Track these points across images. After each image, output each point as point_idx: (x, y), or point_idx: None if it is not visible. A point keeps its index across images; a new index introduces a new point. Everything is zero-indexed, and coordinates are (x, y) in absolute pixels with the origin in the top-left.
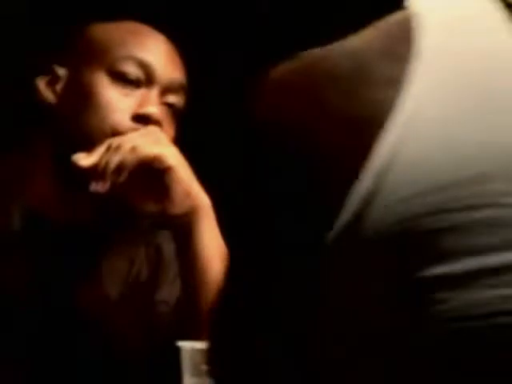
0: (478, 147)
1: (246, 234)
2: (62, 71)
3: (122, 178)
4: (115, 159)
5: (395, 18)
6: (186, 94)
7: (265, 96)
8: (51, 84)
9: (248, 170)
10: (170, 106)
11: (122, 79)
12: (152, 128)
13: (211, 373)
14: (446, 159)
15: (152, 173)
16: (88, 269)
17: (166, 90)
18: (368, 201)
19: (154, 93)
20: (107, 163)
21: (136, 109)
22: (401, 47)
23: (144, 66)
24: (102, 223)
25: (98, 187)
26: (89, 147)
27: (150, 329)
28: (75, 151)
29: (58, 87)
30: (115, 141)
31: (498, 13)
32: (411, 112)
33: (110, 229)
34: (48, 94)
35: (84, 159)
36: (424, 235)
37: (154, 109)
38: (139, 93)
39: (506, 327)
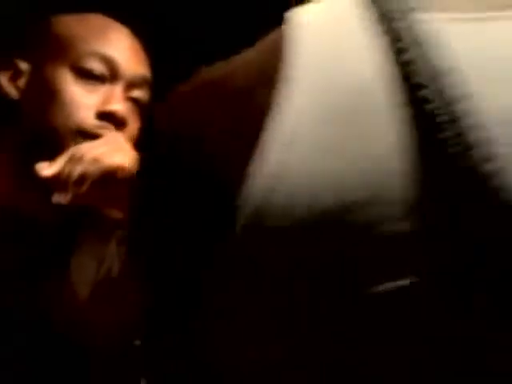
0: (350, 175)
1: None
2: (24, 66)
3: (84, 188)
4: (77, 170)
5: (273, 36)
6: (151, 87)
7: (163, 116)
8: (13, 79)
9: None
10: (134, 100)
11: (85, 75)
12: (114, 135)
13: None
14: (320, 189)
15: (115, 181)
16: (55, 268)
17: (130, 84)
18: (254, 223)
19: (118, 89)
20: (69, 174)
21: (100, 106)
22: (275, 70)
23: (108, 62)
24: (68, 223)
25: (59, 198)
26: (53, 144)
27: (123, 326)
28: (39, 148)
29: (21, 82)
30: (78, 151)
31: (369, 29)
32: (286, 140)
33: (76, 228)
34: (10, 90)
35: (46, 169)
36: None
37: (118, 106)
38: (104, 89)
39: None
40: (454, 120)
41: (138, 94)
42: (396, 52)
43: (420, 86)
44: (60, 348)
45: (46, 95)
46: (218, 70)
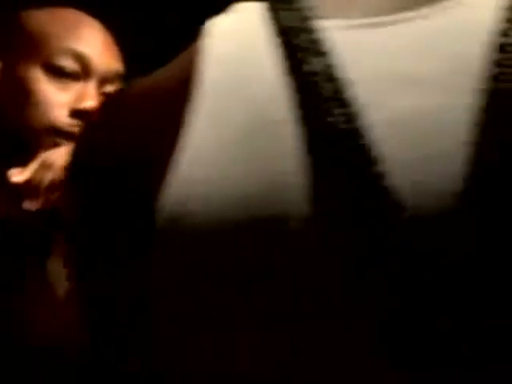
0: (254, 188)
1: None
2: None
3: (55, 195)
4: (48, 177)
5: (189, 51)
6: (124, 82)
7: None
8: None
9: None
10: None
11: (58, 73)
12: None
13: None
14: (228, 199)
15: None
16: (34, 269)
17: (103, 80)
18: (170, 229)
19: (91, 85)
20: (40, 181)
21: (74, 103)
22: (187, 85)
23: (80, 58)
24: (42, 224)
25: (30, 205)
26: (27, 143)
27: None
28: (14, 147)
29: None
30: (48, 157)
31: (271, 41)
32: (196, 147)
33: (52, 230)
34: None
35: (17, 175)
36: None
37: (91, 103)
38: (77, 86)
39: None
40: (356, 134)
41: (111, 89)
42: (296, 64)
43: (321, 98)
44: (41, 347)
45: (18, 94)
46: (149, 79)
